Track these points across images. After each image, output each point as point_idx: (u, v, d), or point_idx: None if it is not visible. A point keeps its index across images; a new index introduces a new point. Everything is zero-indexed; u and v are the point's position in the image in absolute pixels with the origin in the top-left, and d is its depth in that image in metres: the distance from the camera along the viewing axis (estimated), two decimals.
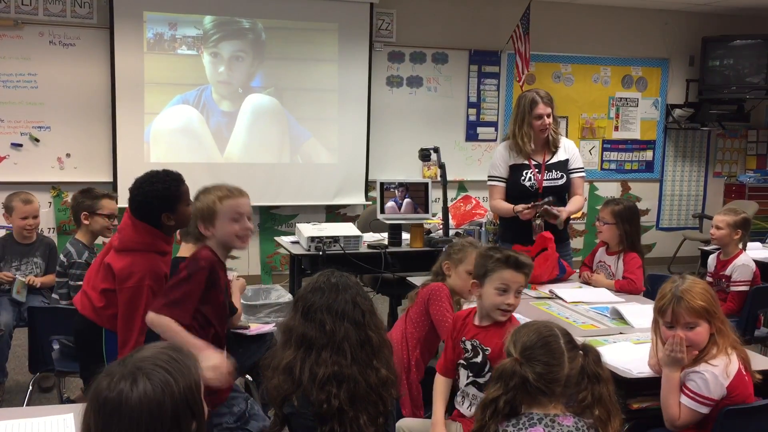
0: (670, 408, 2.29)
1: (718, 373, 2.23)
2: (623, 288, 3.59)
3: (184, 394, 1.33)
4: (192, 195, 2.70)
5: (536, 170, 3.93)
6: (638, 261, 3.65)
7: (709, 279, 4.11)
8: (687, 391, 2.27)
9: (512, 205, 3.89)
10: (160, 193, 2.74)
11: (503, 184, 4.01)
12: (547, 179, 3.95)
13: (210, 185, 2.58)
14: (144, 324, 2.57)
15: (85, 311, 2.86)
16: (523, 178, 3.94)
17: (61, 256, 3.66)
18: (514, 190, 3.96)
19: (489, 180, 4.08)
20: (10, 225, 4.20)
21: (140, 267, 2.70)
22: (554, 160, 3.98)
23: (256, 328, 3.48)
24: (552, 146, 3.99)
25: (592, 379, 1.84)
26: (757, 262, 4.13)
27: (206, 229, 2.52)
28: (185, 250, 3.20)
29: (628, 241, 3.70)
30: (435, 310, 2.90)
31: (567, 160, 4.01)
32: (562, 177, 3.99)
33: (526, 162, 3.95)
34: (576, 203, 4.01)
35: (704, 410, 2.24)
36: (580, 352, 1.87)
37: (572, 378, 1.82)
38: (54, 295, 3.74)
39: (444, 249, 3.16)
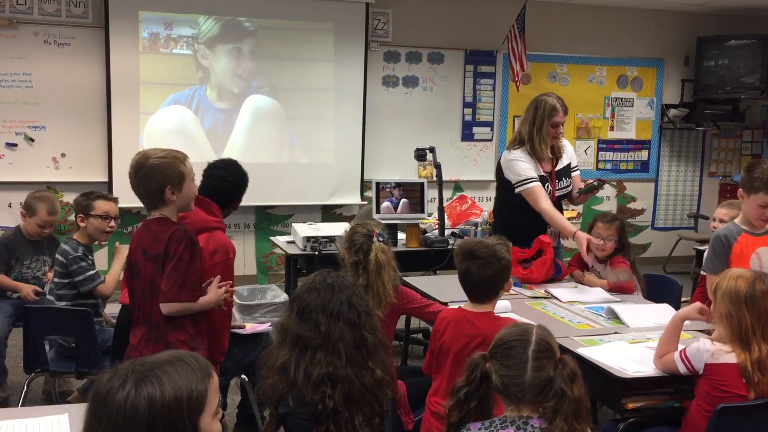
0: (662, 345, 2.53)
1: (707, 348, 2.39)
2: (615, 289, 3.58)
3: (168, 409, 1.28)
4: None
5: (549, 180, 3.90)
6: (625, 264, 3.64)
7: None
8: (682, 348, 2.46)
9: (577, 231, 3.63)
10: (241, 178, 3.23)
11: (540, 184, 3.78)
12: (558, 189, 3.93)
13: (149, 150, 2.50)
14: None
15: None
16: (547, 191, 3.84)
17: (58, 257, 3.61)
18: None
19: (526, 183, 3.76)
20: (8, 226, 4.16)
21: (220, 242, 2.86)
22: (560, 167, 3.95)
23: (251, 327, 3.48)
24: (557, 153, 3.93)
25: (558, 394, 1.74)
26: None
27: (173, 194, 2.47)
28: None
29: (621, 250, 3.70)
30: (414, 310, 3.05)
31: (569, 164, 4.00)
32: (569, 183, 4.01)
33: (543, 173, 3.85)
34: None
35: (681, 368, 2.42)
36: (554, 363, 1.78)
37: (537, 387, 1.75)
38: (49, 296, 3.70)
39: (351, 250, 2.86)
